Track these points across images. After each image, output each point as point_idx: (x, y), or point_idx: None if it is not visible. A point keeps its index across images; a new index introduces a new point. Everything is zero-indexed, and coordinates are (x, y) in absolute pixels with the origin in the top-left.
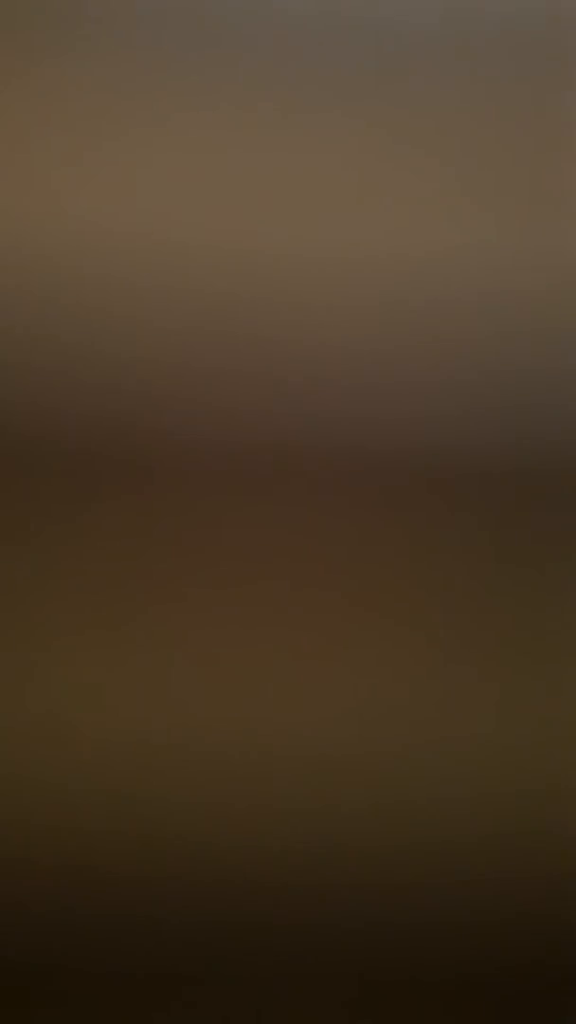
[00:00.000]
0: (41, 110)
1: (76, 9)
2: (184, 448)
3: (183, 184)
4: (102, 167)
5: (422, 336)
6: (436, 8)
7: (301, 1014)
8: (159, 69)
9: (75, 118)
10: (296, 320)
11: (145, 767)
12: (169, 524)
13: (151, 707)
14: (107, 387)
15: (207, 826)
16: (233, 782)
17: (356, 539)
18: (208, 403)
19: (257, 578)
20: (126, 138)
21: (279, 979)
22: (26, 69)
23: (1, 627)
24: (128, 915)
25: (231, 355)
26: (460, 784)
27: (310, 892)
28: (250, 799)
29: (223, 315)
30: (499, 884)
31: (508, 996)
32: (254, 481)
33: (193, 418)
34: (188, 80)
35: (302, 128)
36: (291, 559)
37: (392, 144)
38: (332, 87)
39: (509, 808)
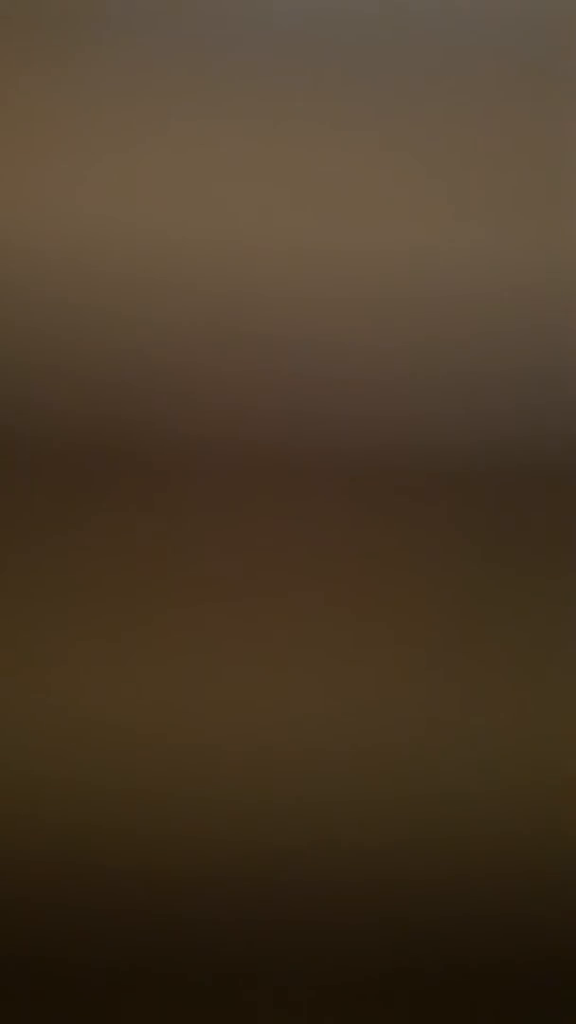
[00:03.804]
0: (41, 109)
1: (76, 9)
2: (182, 446)
3: (182, 183)
4: (102, 166)
5: (422, 335)
6: (437, 8)
7: (302, 1012)
8: (158, 70)
9: (75, 116)
10: (296, 319)
11: (146, 766)
12: (167, 522)
13: (153, 705)
14: (107, 386)
15: (209, 826)
16: (234, 782)
17: (357, 537)
18: (207, 401)
19: (256, 574)
20: (126, 136)
21: (280, 977)
22: (25, 70)
23: (2, 628)
24: (129, 913)
25: (232, 355)
26: (460, 782)
27: (310, 890)
28: (251, 798)
29: (223, 315)
30: (499, 883)
31: (509, 995)
32: (254, 479)
33: (192, 416)
34: (188, 81)
35: (302, 127)
36: (291, 557)
37: (391, 143)
38: (331, 86)
39: (509, 806)
